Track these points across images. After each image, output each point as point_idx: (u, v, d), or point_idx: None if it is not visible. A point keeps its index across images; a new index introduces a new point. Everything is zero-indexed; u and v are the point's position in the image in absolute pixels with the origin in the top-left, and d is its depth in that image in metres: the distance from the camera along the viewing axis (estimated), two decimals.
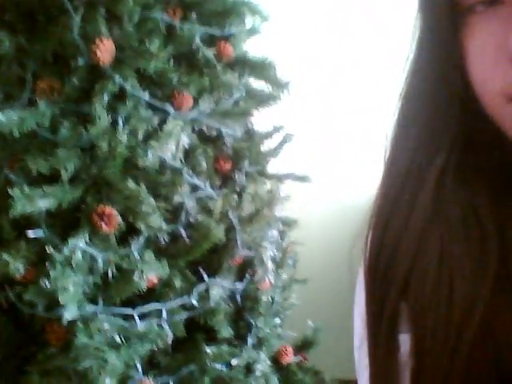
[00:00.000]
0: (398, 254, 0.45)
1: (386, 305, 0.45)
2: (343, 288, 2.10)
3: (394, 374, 0.45)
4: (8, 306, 1.13)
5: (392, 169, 0.47)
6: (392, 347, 0.45)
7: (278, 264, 1.38)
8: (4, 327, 1.14)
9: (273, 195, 1.29)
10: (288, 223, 1.47)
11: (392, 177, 0.48)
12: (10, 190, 1.01)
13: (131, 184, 1.04)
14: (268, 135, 1.34)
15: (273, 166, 1.37)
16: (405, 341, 0.44)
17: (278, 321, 1.44)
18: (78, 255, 1.02)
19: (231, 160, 1.27)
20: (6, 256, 0.99)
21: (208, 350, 1.20)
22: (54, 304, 1.05)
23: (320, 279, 1.93)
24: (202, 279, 1.22)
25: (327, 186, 1.88)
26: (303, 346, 1.57)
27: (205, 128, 1.21)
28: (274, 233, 1.36)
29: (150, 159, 1.08)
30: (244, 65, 1.27)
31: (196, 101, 1.18)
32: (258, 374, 1.29)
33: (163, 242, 1.14)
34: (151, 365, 1.20)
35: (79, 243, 1.02)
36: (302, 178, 1.37)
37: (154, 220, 1.09)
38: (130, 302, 1.15)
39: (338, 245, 1.96)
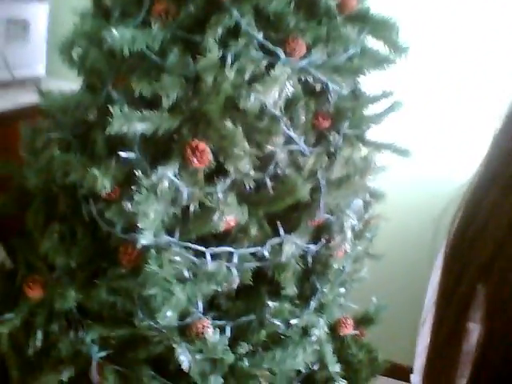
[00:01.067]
0: (487, 233, 0.40)
1: (461, 282, 0.40)
2: (416, 271, 2.05)
3: (453, 364, 0.41)
4: (89, 220, 1.16)
5: (496, 148, 0.43)
6: (457, 332, 0.40)
7: (357, 235, 1.33)
8: (82, 239, 1.17)
9: (367, 163, 1.24)
10: (375, 195, 1.41)
11: (494, 155, 0.43)
12: (110, 108, 1.01)
13: (229, 124, 1.02)
14: (375, 99, 1.27)
15: (373, 133, 1.31)
16: (473, 330, 0.40)
17: (343, 290, 1.41)
18: (165, 184, 1.02)
19: (331, 118, 1.21)
20: (95, 171, 1.00)
21: (270, 304, 1.19)
22: (131, 227, 1.06)
23: (394, 258, 1.87)
24: (277, 233, 1.19)
25: (424, 163, 1.79)
26: (362, 321, 1.54)
27: (311, 80, 1.16)
28: (360, 202, 1.30)
29: (251, 102, 1.04)
30: (365, 21, 1.20)
31: (309, 50, 1.12)
32: (313, 338, 1.27)
33: (248, 189, 1.11)
34: (212, 306, 1.20)
35: (168, 173, 1.02)
36: (402, 152, 1.29)
37: (244, 165, 1.07)
38: (204, 241, 1.14)
39: (419, 227, 1.89)
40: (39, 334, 1.20)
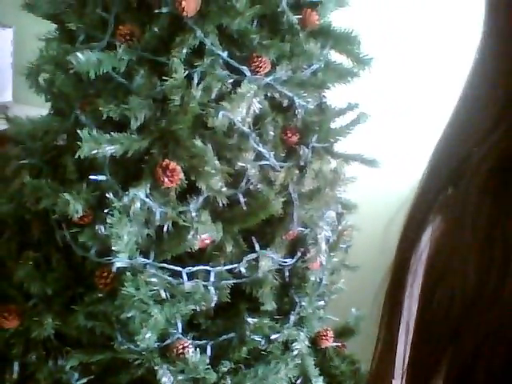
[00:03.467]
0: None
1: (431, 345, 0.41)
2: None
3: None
4: (63, 246, 1.15)
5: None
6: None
7: (331, 246, 1.34)
8: (57, 265, 1.16)
9: (337, 175, 1.25)
10: (348, 206, 1.43)
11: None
12: (79, 132, 1.01)
13: (198, 142, 1.02)
14: (341, 112, 1.29)
15: (341, 145, 1.33)
16: None
17: (322, 303, 1.41)
18: (137, 205, 1.02)
19: (299, 133, 1.23)
20: (66, 196, 1.00)
21: (250, 320, 1.19)
22: (106, 250, 1.05)
23: (370, 268, 1.88)
24: (253, 249, 1.20)
25: (394, 173, 1.82)
26: (343, 333, 1.54)
27: (278, 96, 1.18)
28: (332, 214, 1.32)
29: (219, 120, 1.05)
30: (328, 35, 1.22)
31: (273, 66, 1.14)
32: (295, 353, 1.27)
33: (221, 206, 1.12)
34: (192, 326, 1.20)
35: (140, 194, 1.02)
36: (370, 162, 1.32)
37: (216, 182, 1.08)
38: (180, 260, 1.14)
39: (394, 236, 1.91)
40: (16, 366, 1.18)
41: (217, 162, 1.05)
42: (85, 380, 1.14)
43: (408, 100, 1.78)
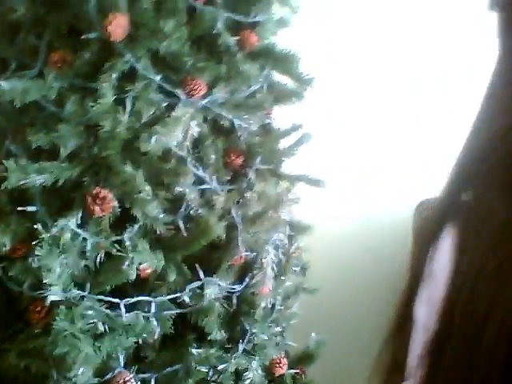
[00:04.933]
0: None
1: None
2: (353, 302, 2.03)
3: None
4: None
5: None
6: None
7: (282, 270, 1.31)
8: None
9: (281, 196, 1.23)
10: (299, 228, 1.41)
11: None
12: (5, 162, 0.97)
13: (128, 168, 0.99)
14: (286, 133, 1.27)
15: (287, 167, 1.31)
16: None
17: (277, 329, 1.37)
18: (67, 236, 0.98)
19: (242, 155, 1.21)
20: None
21: (194, 351, 1.15)
22: (39, 284, 1.01)
23: (330, 290, 1.85)
24: (198, 277, 1.16)
25: (346, 193, 1.80)
26: (303, 359, 1.50)
27: (217, 118, 1.16)
28: (281, 236, 1.29)
29: (153, 145, 1.02)
30: (268, 56, 1.21)
31: (210, 89, 1.12)
32: (247, 382, 1.23)
33: (159, 233, 1.09)
34: (137, 359, 1.15)
35: (69, 224, 0.98)
36: (316, 182, 1.29)
37: (151, 208, 1.05)
38: (122, 291, 1.10)
39: (352, 256, 1.89)
40: None
41: (149, 187, 1.02)
42: None
43: (354, 116, 1.78)
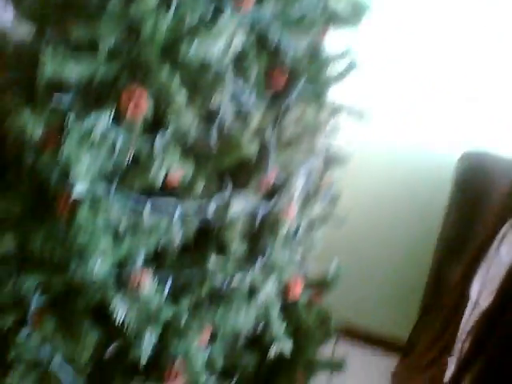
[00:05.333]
0: None
1: None
2: (380, 237, 2.01)
3: None
4: (32, 169, 1.14)
5: None
6: None
7: (311, 196, 1.31)
8: (25, 186, 1.16)
9: (320, 124, 1.20)
10: (335, 158, 1.39)
11: None
12: (44, 51, 0.98)
13: (166, 72, 0.98)
14: (334, 59, 1.23)
15: (331, 94, 1.27)
16: None
17: (298, 254, 1.39)
18: (98, 131, 0.99)
19: (286, 76, 1.18)
20: (25, 116, 0.98)
21: (213, 260, 1.17)
22: (67, 176, 1.04)
23: (358, 222, 1.85)
24: (225, 190, 1.17)
25: (388, 129, 1.75)
26: (321, 285, 1.52)
27: (264, 34, 1.12)
28: (314, 164, 1.28)
29: (193, 52, 1.01)
30: None
31: (260, 2, 1.08)
32: (260, 299, 1.26)
33: (191, 143, 1.09)
34: (155, 260, 1.19)
35: (102, 120, 0.99)
36: (359, 115, 1.26)
37: (186, 116, 1.04)
38: (149, 194, 1.12)
39: (386, 190, 1.86)
40: None
41: (184, 94, 1.01)
42: (43, 301, 1.16)
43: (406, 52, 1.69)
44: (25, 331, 1.18)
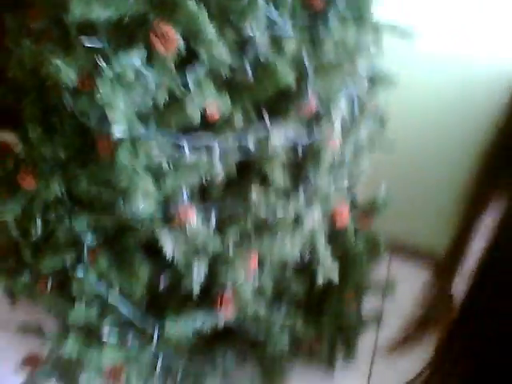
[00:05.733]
0: None
1: None
2: (431, 161, 1.95)
3: None
4: (69, 115, 1.14)
5: None
6: None
7: (355, 123, 1.26)
8: (69, 130, 1.17)
9: (362, 46, 1.14)
10: (380, 80, 1.32)
11: None
12: None
13: (193, 4, 0.94)
14: None
15: (374, 14, 1.19)
16: None
17: (345, 178, 1.37)
18: (130, 73, 0.98)
19: None
20: (57, 61, 0.97)
21: (256, 192, 1.17)
22: (105, 119, 1.04)
23: (409, 146, 1.79)
24: (264, 124, 1.15)
25: (436, 48, 1.64)
26: (369, 211, 1.51)
27: None
28: (357, 89, 1.22)
29: None
30: None
31: None
32: (306, 227, 1.26)
33: (225, 77, 1.06)
34: (200, 198, 1.20)
35: (133, 61, 0.97)
36: (404, 33, 1.18)
37: (217, 50, 1.01)
38: (188, 132, 1.12)
39: (434, 114, 1.78)
40: (38, 222, 1.25)
41: (214, 27, 0.97)
42: (96, 240, 1.20)
43: None
44: (82, 268, 1.24)
